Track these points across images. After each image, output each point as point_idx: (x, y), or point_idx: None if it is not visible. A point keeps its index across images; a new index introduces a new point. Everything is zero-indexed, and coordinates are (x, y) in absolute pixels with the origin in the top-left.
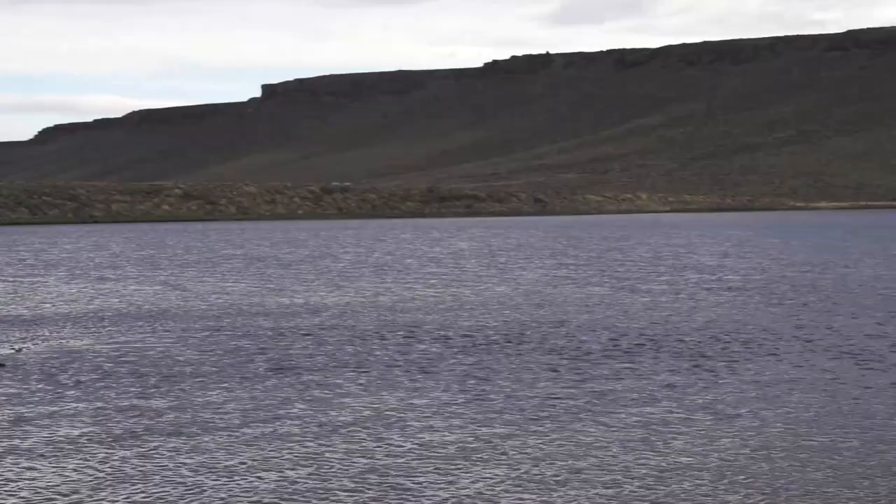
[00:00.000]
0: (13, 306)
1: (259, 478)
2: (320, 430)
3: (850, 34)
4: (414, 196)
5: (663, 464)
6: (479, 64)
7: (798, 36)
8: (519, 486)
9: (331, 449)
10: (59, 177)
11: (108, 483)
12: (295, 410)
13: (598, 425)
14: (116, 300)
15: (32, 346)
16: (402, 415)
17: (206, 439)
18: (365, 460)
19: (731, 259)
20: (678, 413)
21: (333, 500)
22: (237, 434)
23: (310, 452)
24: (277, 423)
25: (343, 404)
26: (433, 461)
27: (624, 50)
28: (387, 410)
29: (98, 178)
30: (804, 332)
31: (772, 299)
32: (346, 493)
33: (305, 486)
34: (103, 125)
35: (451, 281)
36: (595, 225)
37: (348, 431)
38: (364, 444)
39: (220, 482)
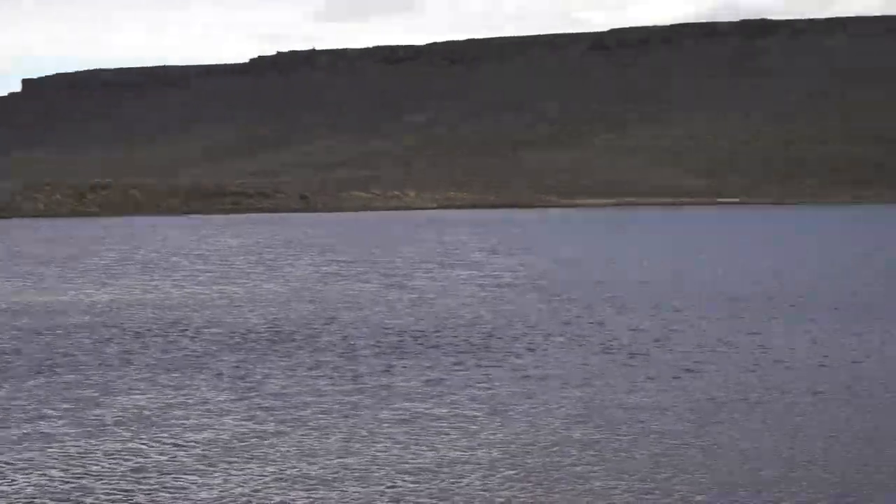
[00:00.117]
0: None
1: (23, 478)
2: (84, 430)
3: (614, 33)
4: (179, 193)
5: (437, 459)
6: (245, 59)
7: (562, 34)
8: (287, 483)
9: (97, 448)
10: None
11: None
12: (56, 412)
13: (367, 422)
14: None
15: None
16: (169, 413)
17: None
18: (133, 459)
19: (500, 256)
20: (448, 408)
21: (100, 501)
22: None
23: (75, 453)
24: (41, 423)
25: (108, 403)
26: (201, 459)
27: (391, 47)
28: (153, 408)
29: None
30: (572, 327)
31: (540, 295)
32: (115, 493)
33: (70, 486)
34: None
35: (219, 278)
36: (363, 222)
37: (114, 431)
38: (130, 444)
39: None
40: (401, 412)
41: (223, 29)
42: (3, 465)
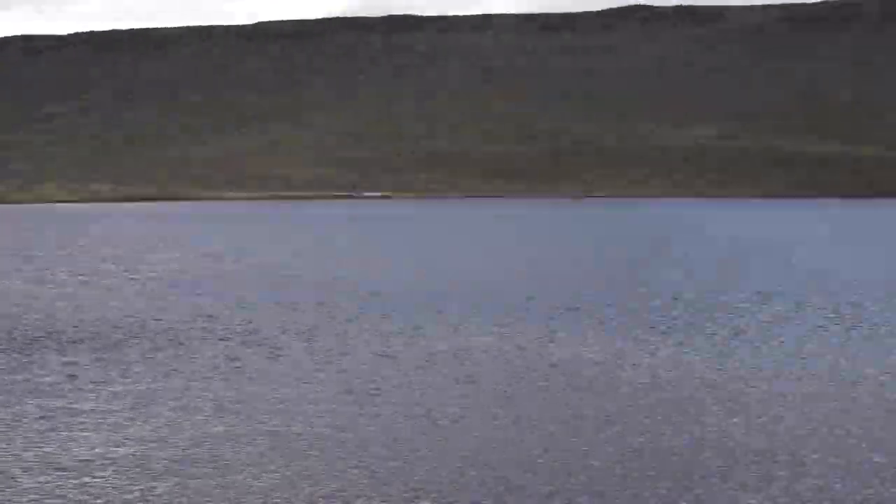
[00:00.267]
0: None
1: None
2: None
3: (260, 26)
4: None
5: (82, 456)
6: None
7: (210, 26)
8: None
9: None
10: None
11: None
12: None
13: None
14: None
15: None
16: None
17: None
18: None
19: (150, 252)
20: (85, 404)
21: None
22: None
23: None
24: None
25: None
26: None
27: (32, 36)
28: None
29: None
30: (216, 321)
31: (192, 290)
32: None
33: None
34: None
35: None
36: (1, 215)
37: None
38: None
39: None
40: (34, 409)
41: None
42: None
